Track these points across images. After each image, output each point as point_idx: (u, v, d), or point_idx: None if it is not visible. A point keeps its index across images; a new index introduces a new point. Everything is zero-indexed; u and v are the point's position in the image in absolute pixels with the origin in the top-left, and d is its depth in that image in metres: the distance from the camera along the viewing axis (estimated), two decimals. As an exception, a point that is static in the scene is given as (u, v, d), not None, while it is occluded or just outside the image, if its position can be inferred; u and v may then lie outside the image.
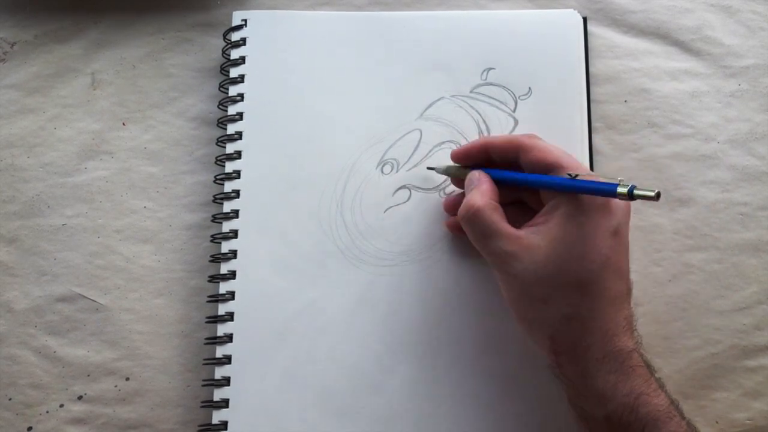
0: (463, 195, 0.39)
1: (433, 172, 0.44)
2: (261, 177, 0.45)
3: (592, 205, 0.35)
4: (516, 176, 0.38)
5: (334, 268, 0.43)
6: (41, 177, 0.47)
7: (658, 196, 0.31)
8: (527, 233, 0.36)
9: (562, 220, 0.35)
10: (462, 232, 0.39)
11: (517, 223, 0.37)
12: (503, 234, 0.36)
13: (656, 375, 0.35)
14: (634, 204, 0.45)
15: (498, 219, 0.36)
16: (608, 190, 0.33)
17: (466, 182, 0.39)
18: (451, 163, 0.42)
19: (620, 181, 0.33)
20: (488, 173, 0.39)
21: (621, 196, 0.32)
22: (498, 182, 0.39)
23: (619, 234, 0.35)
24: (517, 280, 0.35)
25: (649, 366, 0.35)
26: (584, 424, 0.35)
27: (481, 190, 0.38)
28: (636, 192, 0.32)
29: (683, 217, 0.45)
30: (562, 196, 0.35)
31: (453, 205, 0.42)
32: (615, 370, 0.34)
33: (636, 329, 0.36)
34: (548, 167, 0.36)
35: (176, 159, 0.47)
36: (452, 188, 0.44)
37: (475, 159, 0.40)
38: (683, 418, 0.34)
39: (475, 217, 0.37)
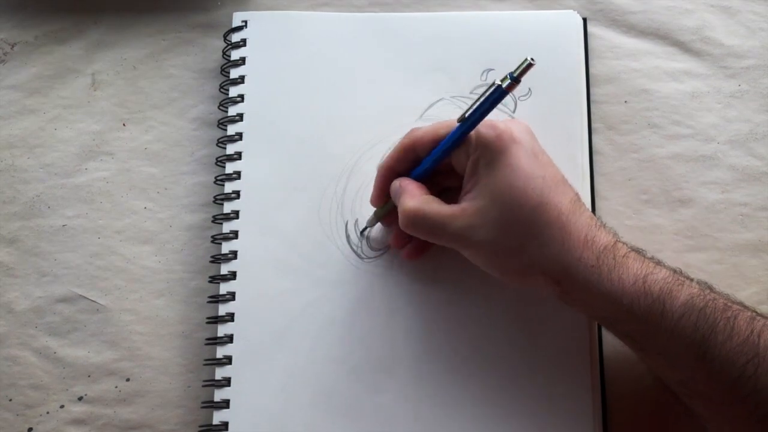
0: (398, 228, 0.39)
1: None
2: (261, 178, 0.45)
3: (502, 145, 0.36)
4: (427, 160, 0.39)
5: (334, 268, 0.43)
6: (41, 178, 0.47)
7: (533, 60, 0.34)
8: (466, 202, 0.36)
9: (486, 171, 0.36)
10: (422, 252, 0.40)
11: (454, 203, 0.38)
12: (448, 216, 0.36)
13: (648, 255, 0.36)
14: (633, 204, 0.45)
15: (437, 207, 0.37)
16: (498, 93, 0.35)
17: (392, 195, 0.40)
18: (371, 211, 0.43)
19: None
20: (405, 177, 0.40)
21: (508, 85, 0.35)
22: (419, 179, 0.39)
23: (538, 153, 0.37)
24: (483, 247, 0.36)
25: (636, 249, 0.36)
26: (613, 330, 0.36)
27: (408, 193, 0.38)
28: (514, 74, 0.35)
29: (683, 217, 0.45)
30: (473, 155, 0.36)
31: (399, 239, 0.42)
32: (612, 266, 0.34)
33: (605, 223, 0.37)
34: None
35: (176, 160, 0.47)
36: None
37: (395, 176, 0.40)
38: (691, 279, 0.35)
39: (415, 218, 0.37)
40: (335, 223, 0.44)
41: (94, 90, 0.49)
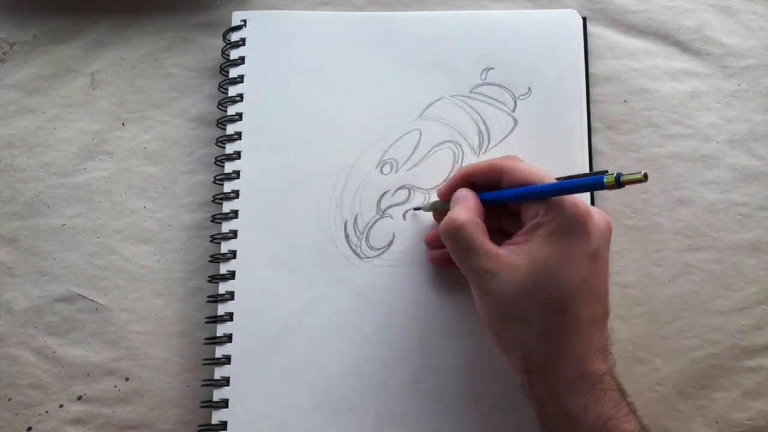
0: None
1: (435, 170, 0.44)
2: (260, 177, 0.45)
3: (572, 227, 0.34)
4: (502, 193, 0.37)
5: (333, 268, 0.43)
6: (41, 177, 0.47)
7: (645, 177, 0.31)
8: (507, 252, 0.35)
9: (542, 240, 0.34)
10: (448, 264, 0.38)
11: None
12: (484, 251, 0.35)
13: (628, 399, 0.35)
14: (633, 203, 0.45)
15: (480, 235, 0.36)
16: (596, 182, 0.33)
17: (452, 199, 0.39)
18: (436, 199, 0.42)
19: (606, 171, 0.33)
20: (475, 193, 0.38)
21: (609, 185, 0.32)
22: (484, 205, 0.38)
23: (598, 257, 0.35)
24: (494, 298, 0.35)
25: (621, 390, 0.35)
26: None
27: (466, 206, 0.37)
28: (624, 178, 0.31)
29: (683, 217, 0.45)
30: (542, 217, 0.35)
31: (435, 240, 0.41)
32: (586, 392, 0.33)
33: (611, 353, 0.36)
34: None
35: (176, 159, 0.47)
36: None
37: (469, 184, 0.39)
38: None
39: (457, 231, 0.36)
40: (334, 222, 0.44)
41: (94, 89, 0.49)
